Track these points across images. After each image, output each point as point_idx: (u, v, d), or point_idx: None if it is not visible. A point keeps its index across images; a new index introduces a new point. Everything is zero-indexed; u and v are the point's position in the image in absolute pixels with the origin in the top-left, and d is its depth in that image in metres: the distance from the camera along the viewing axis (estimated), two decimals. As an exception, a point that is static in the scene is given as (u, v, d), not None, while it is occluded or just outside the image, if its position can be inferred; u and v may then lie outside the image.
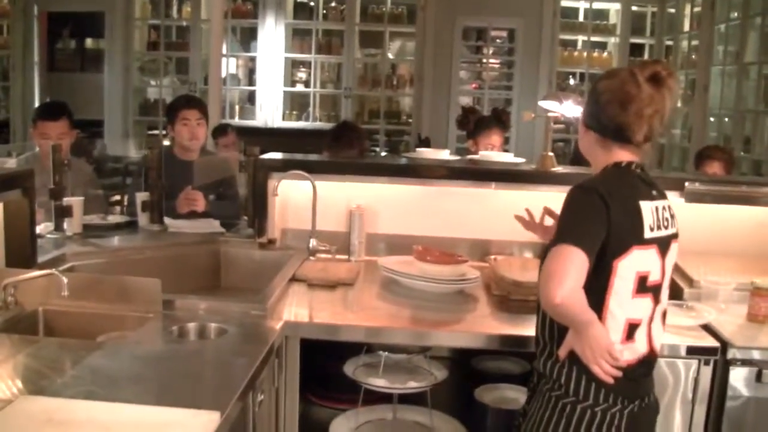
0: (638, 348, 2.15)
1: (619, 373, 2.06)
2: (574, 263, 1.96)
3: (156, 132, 8.77)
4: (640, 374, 2.17)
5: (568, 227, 2.05)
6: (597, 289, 2.06)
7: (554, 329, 2.17)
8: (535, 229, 2.82)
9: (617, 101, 2.11)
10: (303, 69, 9.05)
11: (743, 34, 6.79)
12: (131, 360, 2.15)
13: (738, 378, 2.54)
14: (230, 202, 4.15)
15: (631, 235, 2.08)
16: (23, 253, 2.82)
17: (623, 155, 2.20)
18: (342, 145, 4.31)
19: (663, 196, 2.22)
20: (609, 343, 2.04)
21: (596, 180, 2.16)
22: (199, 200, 3.92)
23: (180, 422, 1.69)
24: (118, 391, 1.89)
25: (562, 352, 2.11)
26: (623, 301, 2.09)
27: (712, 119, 7.38)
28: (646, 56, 8.76)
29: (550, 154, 3.48)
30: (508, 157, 3.80)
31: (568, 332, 2.09)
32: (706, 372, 2.56)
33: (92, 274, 2.87)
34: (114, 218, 3.86)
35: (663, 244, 2.15)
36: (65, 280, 2.41)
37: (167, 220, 3.74)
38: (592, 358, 2.03)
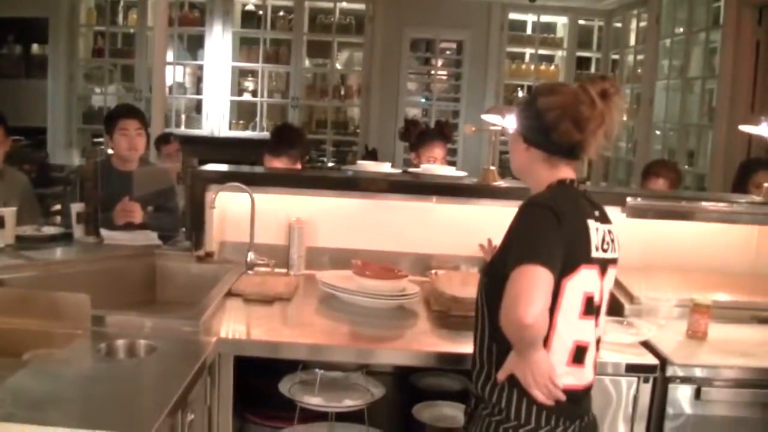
0: (587, 374, 2.14)
1: (562, 397, 2.04)
2: (541, 283, 1.92)
3: (101, 140, 8.61)
4: (581, 395, 2.15)
5: (529, 246, 2.00)
6: None
7: (492, 351, 2.13)
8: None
9: (570, 119, 2.07)
10: (250, 78, 8.97)
11: (687, 49, 6.87)
12: (55, 380, 2.08)
13: (677, 395, 2.54)
14: (169, 214, 4.07)
15: (580, 253, 2.06)
16: (-52, 266, 2.73)
17: (567, 172, 2.18)
18: (282, 146, 4.21)
19: (607, 221, 2.20)
20: (551, 368, 2.03)
21: (547, 197, 2.13)
22: (136, 212, 3.83)
23: (99, 447, 1.63)
24: (39, 413, 1.82)
25: (501, 376, 2.08)
26: (570, 321, 2.06)
27: (657, 132, 7.44)
28: (593, 70, 8.84)
29: (492, 167, 3.46)
30: (450, 171, 3.79)
31: (508, 355, 2.06)
32: (646, 389, 2.56)
33: (19, 289, 2.79)
34: (48, 230, 3.76)
35: (603, 266, 2.13)
36: (-12, 295, 2.33)
37: (104, 231, 3.66)
38: (534, 383, 2.02)
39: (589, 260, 2.07)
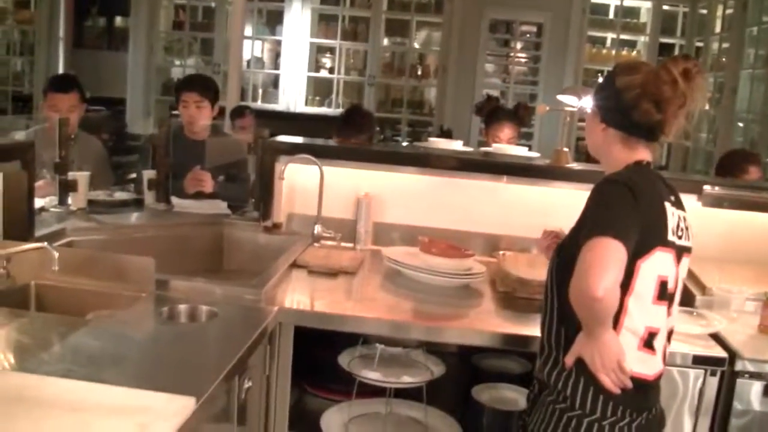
0: (657, 363, 2.07)
1: (629, 384, 1.98)
2: (615, 256, 1.86)
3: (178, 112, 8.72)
4: (650, 385, 2.09)
5: (603, 220, 1.93)
6: None
7: (561, 335, 2.08)
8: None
9: (650, 99, 2.02)
10: (328, 55, 8.97)
11: (774, 37, 6.66)
12: (115, 340, 2.10)
13: (745, 391, 2.46)
14: (240, 185, 4.08)
15: (656, 234, 2.00)
16: (21, 226, 2.77)
17: (645, 154, 2.12)
18: (351, 130, 4.26)
19: (681, 207, 2.14)
20: (620, 351, 1.97)
21: (624, 174, 2.06)
22: (207, 181, 3.86)
23: (152, 407, 1.63)
24: (96, 370, 1.83)
25: (569, 360, 2.02)
26: (643, 305, 2.00)
27: (740, 123, 7.24)
28: (675, 57, 8.62)
29: (565, 149, 3.40)
30: (522, 151, 3.72)
31: (576, 338, 2.01)
32: (713, 383, 2.48)
33: (86, 250, 2.84)
34: (120, 195, 3.81)
35: (678, 253, 2.06)
36: (56, 254, 2.36)
37: (174, 199, 3.70)
38: (601, 366, 1.96)
39: (666, 243, 2.01)
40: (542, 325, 2.18)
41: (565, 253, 2.06)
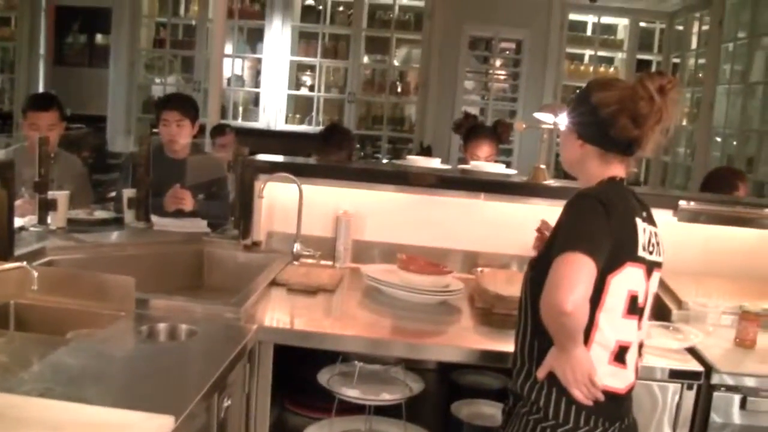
0: (628, 376, 2.09)
1: (601, 397, 2.01)
2: (584, 271, 1.89)
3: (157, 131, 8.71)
4: (622, 397, 2.11)
5: (574, 234, 1.97)
6: None
7: (534, 348, 2.10)
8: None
9: (628, 115, 2.05)
10: (308, 72, 9.00)
11: (750, 53, 6.74)
12: (95, 358, 2.10)
13: (722, 404, 2.48)
14: (220, 203, 4.10)
15: (627, 250, 2.03)
16: (0, 245, 2.77)
17: (619, 170, 2.16)
18: (331, 147, 4.29)
19: (653, 223, 2.17)
20: (591, 366, 2.00)
21: (597, 190, 2.10)
22: (187, 199, 3.87)
23: (132, 425, 1.64)
24: (76, 390, 1.84)
25: (541, 373, 2.05)
26: (613, 319, 2.03)
27: (717, 138, 7.31)
28: (653, 73, 8.69)
29: (542, 166, 3.43)
30: (500, 168, 3.75)
31: (549, 352, 2.04)
32: (689, 396, 2.50)
33: (66, 269, 2.84)
34: (100, 214, 3.82)
35: (649, 268, 2.10)
36: (35, 273, 2.38)
37: (154, 218, 3.70)
38: (573, 381, 1.99)
39: (636, 258, 2.05)
40: (516, 337, 2.20)
41: (539, 266, 2.08)
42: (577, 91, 2.33)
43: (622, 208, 2.05)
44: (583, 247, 1.91)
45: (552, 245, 2.02)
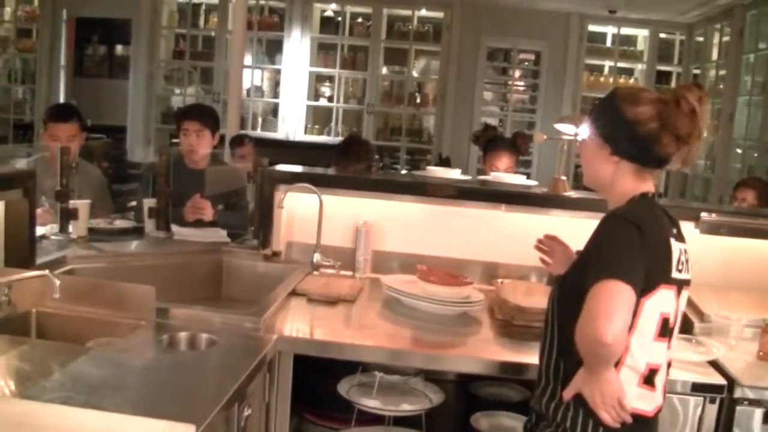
0: (657, 398, 2.05)
1: (629, 419, 1.97)
2: (623, 300, 1.84)
3: (178, 141, 8.75)
4: (650, 420, 2.07)
5: (611, 260, 1.91)
6: None
7: (560, 368, 2.07)
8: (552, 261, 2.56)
9: (672, 132, 1.99)
10: (327, 83, 9.03)
11: (771, 65, 6.71)
12: (115, 367, 2.10)
13: (744, 418, 2.45)
14: (239, 213, 4.11)
15: (661, 272, 1.98)
16: (22, 254, 2.79)
17: (650, 184, 2.10)
18: (350, 159, 4.29)
19: (682, 239, 2.12)
20: (621, 389, 1.96)
21: (631, 210, 2.02)
22: (207, 209, 3.88)
23: (153, 434, 1.64)
24: (96, 398, 1.84)
25: (568, 394, 2.01)
26: (645, 343, 1.98)
27: (737, 150, 7.27)
28: (673, 84, 8.68)
29: (563, 177, 3.41)
30: (521, 179, 3.74)
31: (576, 372, 2.00)
32: (712, 410, 2.47)
33: (87, 278, 2.85)
34: (120, 223, 3.83)
35: (679, 287, 2.05)
36: (57, 282, 2.38)
37: (174, 227, 3.71)
38: (602, 404, 1.95)
39: (669, 280, 2.00)
40: (541, 355, 2.16)
41: (568, 285, 2.06)
42: (597, 101, 2.27)
43: (657, 229, 2.00)
44: (621, 274, 1.85)
45: (584, 269, 1.96)
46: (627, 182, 2.08)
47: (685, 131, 1.99)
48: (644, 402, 2.02)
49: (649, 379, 2.01)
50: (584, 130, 2.21)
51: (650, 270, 1.93)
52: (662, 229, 2.02)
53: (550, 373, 2.10)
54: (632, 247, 1.92)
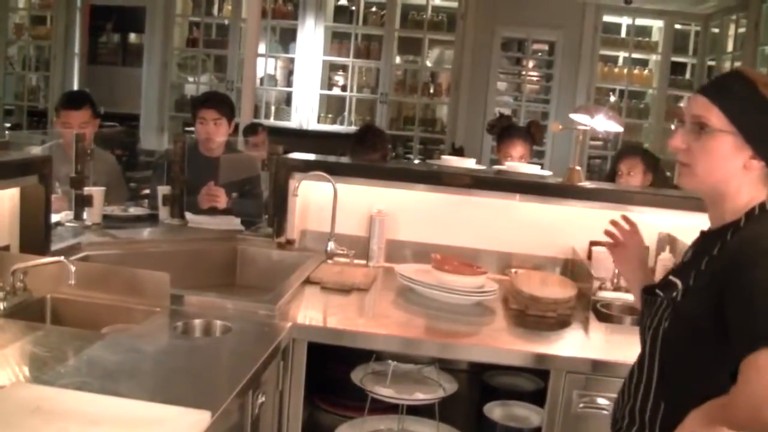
0: None
1: None
2: None
3: (192, 128, 8.76)
4: None
5: None
6: None
7: (658, 411, 1.77)
8: (619, 252, 2.23)
9: None
10: (341, 72, 9.00)
11: (787, 56, 6.66)
12: (130, 353, 2.11)
13: None
14: (254, 201, 4.12)
15: None
16: (37, 240, 2.80)
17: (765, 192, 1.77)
18: (365, 148, 4.29)
19: None
20: None
21: None
22: (221, 197, 3.89)
23: (168, 420, 1.64)
24: (111, 384, 1.85)
25: None
26: None
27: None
28: (687, 75, 8.63)
29: (578, 168, 3.40)
30: (535, 169, 3.73)
31: (678, 415, 1.65)
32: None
33: (102, 265, 2.86)
34: (135, 210, 3.85)
35: None
36: (73, 268, 2.38)
37: (188, 215, 3.72)
38: None
39: None
40: (628, 390, 1.87)
41: (681, 318, 1.74)
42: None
43: None
44: None
45: (705, 292, 1.67)
46: (753, 191, 1.74)
47: None
48: None
49: None
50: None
51: None
52: None
53: (646, 414, 1.79)
54: None
